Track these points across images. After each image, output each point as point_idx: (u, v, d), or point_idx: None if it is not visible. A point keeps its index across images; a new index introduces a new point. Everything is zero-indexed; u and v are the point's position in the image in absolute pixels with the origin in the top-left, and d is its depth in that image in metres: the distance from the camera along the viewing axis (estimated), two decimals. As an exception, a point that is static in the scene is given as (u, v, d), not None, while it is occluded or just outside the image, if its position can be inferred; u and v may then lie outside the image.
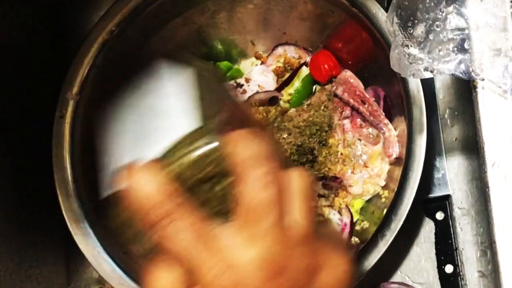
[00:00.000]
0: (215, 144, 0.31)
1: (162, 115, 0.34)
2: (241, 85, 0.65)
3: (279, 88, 0.65)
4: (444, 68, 0.42)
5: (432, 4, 0.42)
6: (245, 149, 0.31)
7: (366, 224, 0.59)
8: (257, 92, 0.64)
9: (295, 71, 0.65)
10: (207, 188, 0.31)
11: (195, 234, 0.30)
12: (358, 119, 0.61)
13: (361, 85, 0.62)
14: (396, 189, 0.52)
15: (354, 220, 0.60)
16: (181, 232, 0.30)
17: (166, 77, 0.35)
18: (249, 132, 0.32)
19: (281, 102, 0.65)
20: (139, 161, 0.32)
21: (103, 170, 0.34)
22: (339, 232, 0.38)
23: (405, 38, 0.43)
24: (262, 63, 0.67)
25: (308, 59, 0.65)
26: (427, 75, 0.43)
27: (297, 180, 0.32)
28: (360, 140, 0.61)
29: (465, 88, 0.52)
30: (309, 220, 0.32)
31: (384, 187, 0.59)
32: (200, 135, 0.31)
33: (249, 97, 0.64)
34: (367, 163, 0.60)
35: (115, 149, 0.35)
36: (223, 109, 0.34)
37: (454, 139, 0.63)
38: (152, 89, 0.35)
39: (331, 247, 0.33)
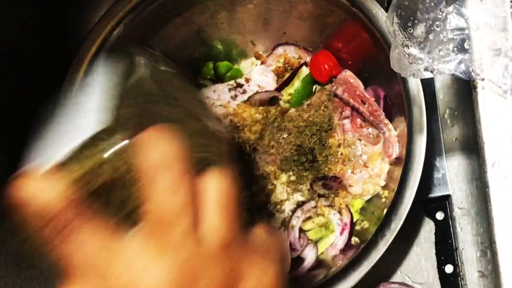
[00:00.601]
0: (121, 145, 0.28)
1: (79, 113, 0.30)
2: (241, 85, 0.65)
3: (279, 88, 0.65)
4: (444, 68, 0.42)
5: (432, 4, 0.42)
6: (153, 150, 0.28)
7: (366, 224, 0.59)
8: (257, 92, 0.64)
9: (295, 71, 0.65)
10: (113, 193, 0.29)
11: (100, 244, 0.27)
12: (358, 119, 0.61)
13: (361, 85, 0.62)
14: (396, 189, 0.52)
15: (354, 220, 0.60)
16: (84, 242, 0.27)
17: (98, 72, 0.32)
18: (160, 130, 0.28)
19: (281, 102, 0.65)
20: (40, 164, 0.29)
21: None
22: (275, 240, 0.34)
23: (405, 38, 0.42)
24: (262, 63, 0.67)
25: (308, 59, 0.65)
26: (427, 75, 0.43)
27: (213, 183, 0.29)
28: (360, 140, 0.61)
29: (465, 88, 0.52)
30: (228, 227, 0.29)
31: (384, 187, 0.59)
32: (107, 136, 0.28)
33: (249, 97, 0.64)
34: (367, 163, 0.60)
35: (32, 151, 0.31)
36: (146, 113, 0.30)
37: (454, 139, 0.63)
38: (84, 86, 0.32)
39: (259, 255, 0.31)
